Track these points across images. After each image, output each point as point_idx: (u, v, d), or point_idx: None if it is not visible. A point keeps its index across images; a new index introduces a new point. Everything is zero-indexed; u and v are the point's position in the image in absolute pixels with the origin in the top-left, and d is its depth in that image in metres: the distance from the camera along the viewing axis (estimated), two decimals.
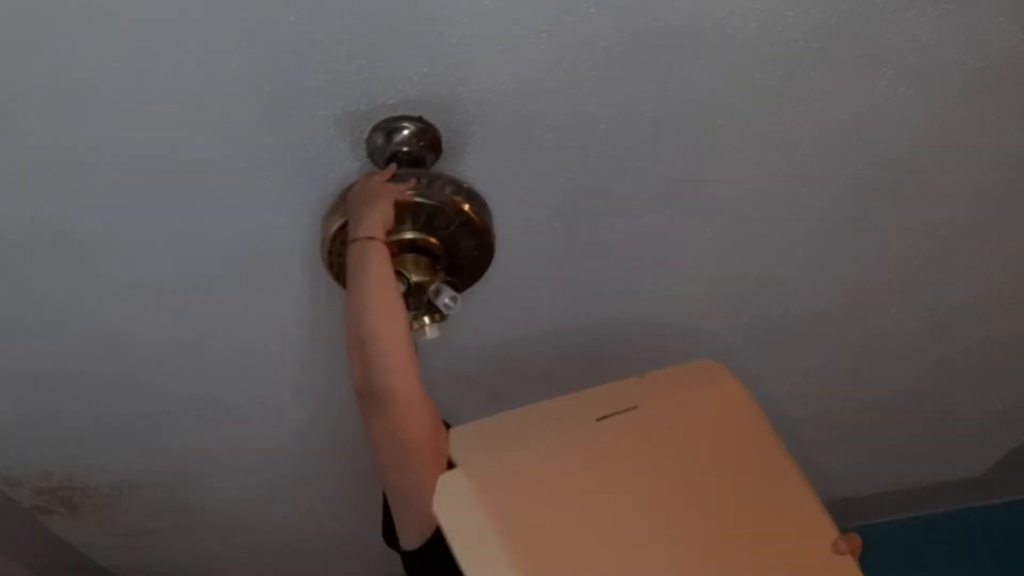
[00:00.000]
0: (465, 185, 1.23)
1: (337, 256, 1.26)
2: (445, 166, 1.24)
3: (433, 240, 1.23)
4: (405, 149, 1.19)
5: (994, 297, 1.60)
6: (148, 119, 1.15)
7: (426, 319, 1.22)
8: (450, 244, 1.25)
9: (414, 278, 1.21)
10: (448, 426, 1.09)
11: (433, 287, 1.20)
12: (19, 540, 2.15)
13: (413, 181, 1.17)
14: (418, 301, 1.21)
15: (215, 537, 2.25)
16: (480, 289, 1.39)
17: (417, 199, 1.17)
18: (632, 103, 1.17)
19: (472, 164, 1.25)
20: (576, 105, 1.17)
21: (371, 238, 1.09)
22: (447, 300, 1.19)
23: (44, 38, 1.03)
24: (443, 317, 1.23)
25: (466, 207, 1.22)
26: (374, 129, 1.18)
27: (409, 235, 1.22)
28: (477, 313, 1.49)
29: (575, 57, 1.10)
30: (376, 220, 1.11)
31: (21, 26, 1.01)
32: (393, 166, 1.19)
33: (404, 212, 1.18)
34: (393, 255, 1.15)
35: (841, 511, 2.43)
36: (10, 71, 1.07)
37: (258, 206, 1.29)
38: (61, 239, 1.32)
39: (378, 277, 1.08)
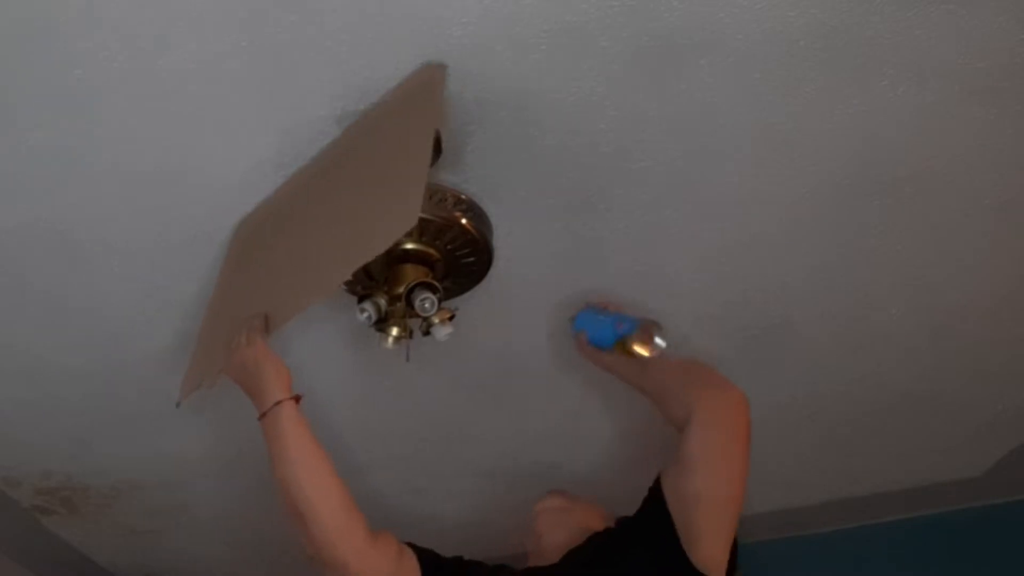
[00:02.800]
0: (463, 196, 1.23)
1: None
2: (445, 166, 1.24)
3: (431, 250, 1.24)
4: None
5: (994, 297, 1.60)
6: (148, 119, 1.15)
7: (435, 319, 1.22)
8: (448, 253, 1.25)
9: (400, 289, 1.21)
10: (411, 546, 1.18)
11: (412, 290, 1.21)
12: (19, 540, 2.15)
13: (260, 316, 1.15)
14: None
15: (215, 537, 2.25)
16: (480, 289, 1.39)
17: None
18: (632, 103, 1.17)
19: (472, 164, 1.25)
20: (576, 105, 1.17)
21: (277, 403, 1.10)
22: (424, 303, 1.20)
23: (44, 38, 1.03)
24: (426, 320, 1.23)
25: (464, 220, 1.22)
26: None
27: (408, 246, 1.22)
28: (477, 313, 1.49)
29: (575, 57, 1.10)
30: (271, 383, 1.11)
31: (21, 26, 1.01)
32: (257, 321, 1.15)
33: None
34: (388, 267, 1.21)
35: (841, 511, 2.45)
36: (10, 71, 1.07)
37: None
38: (61, 239, 1.32)
39: (296, 445, 1.09)
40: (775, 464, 2.07)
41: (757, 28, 1.08)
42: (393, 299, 1.22)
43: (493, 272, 1.34)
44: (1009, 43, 1.12)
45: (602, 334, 1.35)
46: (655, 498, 1.15)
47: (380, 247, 1.02)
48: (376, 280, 1.28)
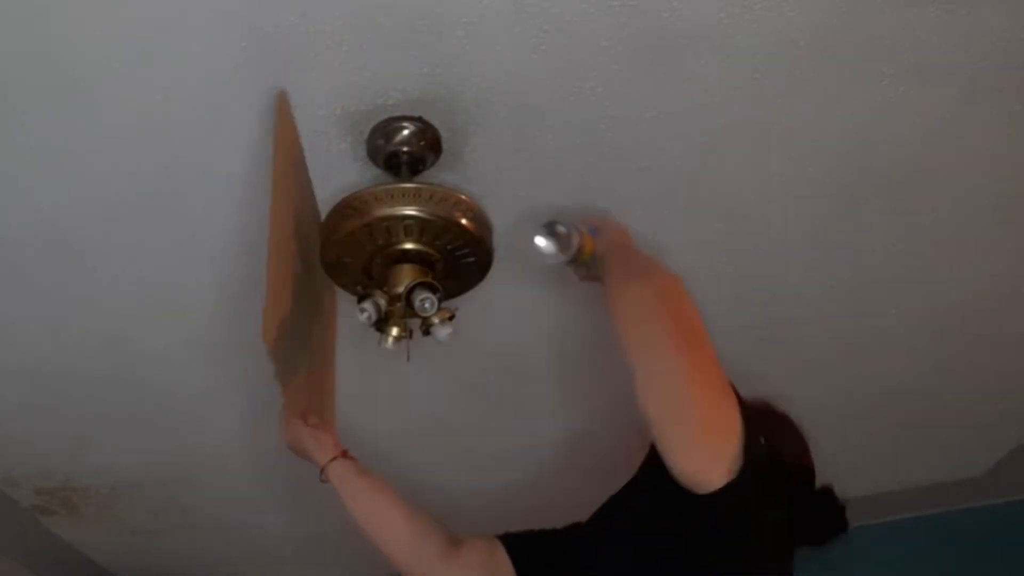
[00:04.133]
0: (463, 196, 1.23)
1: (335, 257, 1.26)
2: (445, 166, 1.24)
3: (431, 250, 1.24)
4: (405, 149, 1.19)
5: (994, 296, 1.60)
6: (148, 119, 1.15)
7: (435, 319, 1.22)
8: (448, 253, 1.25)
9: (399, 289, 1.21)
10: (506, 537, 1.19)
11: (412, 290, 1.21)
12: (19, 540, 2.15)
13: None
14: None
15: (215, 537, 2.25)
16: (480, 289, 1.39)
17: (416, 214, 1.18)
18: (632, 103, 1.17)
19: (472, 164, 1.25)
20: (576, 105, 1.17)
21: (323, 469, 1.26)
22: (424, 303, 1.20)
23: (44, 38, 1.03)
24: (426, 320, 1.23)
25: (464, 220, 1.22)
26: (374, 129, 1.18)
27: (408, 246, 1.22)
28: (477, 313, 1.49)
29: (575, 57, 1.10)
30: (315, 454, 1.28)
31: (21, 26, 1.01)
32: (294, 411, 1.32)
33: (398, 226, 1.18)
34: (388, 267, 1.21)
35: None
36: (10, 71, 1.07)
37: (258, 206, 1.29)
38: (61, 239, 1.32)
39: (351, 497, 1.24)
40: None
41: (757, 28, 1.08)
42: (393, 299, 1.22)
43: (493, 272, 1.34)
44: (1009, 43, 1.12)
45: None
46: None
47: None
48: (376, 280, 1.28)
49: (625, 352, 0.96)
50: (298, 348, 1.30)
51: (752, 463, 0.88)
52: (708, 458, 0.87)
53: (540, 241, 1.18)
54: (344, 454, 1.28)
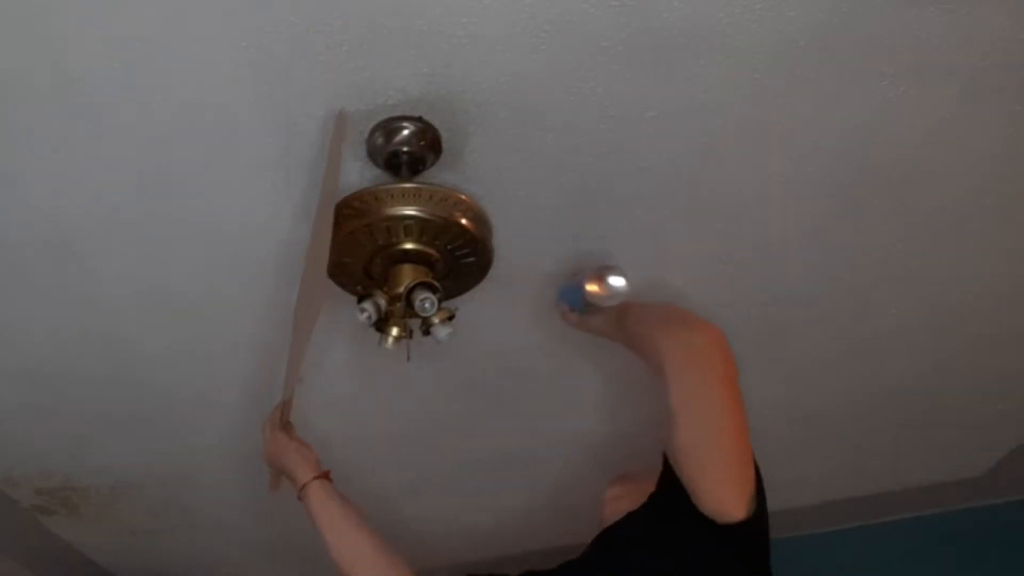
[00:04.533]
0: (463, 196, 1.23)
1: (336, 257, 1.26)
2: (445, 166, 1.24)
3: (431, 250, 1.24)
4: (405, 149, 1.19)
5: (994, 296, 1.60)
6: (148, 119, 1.15)
7: (435, 319, 1.22)
8: (448, 253, 1.25)
9: (399, 289, 1.21)
10: None
11: (412, 290, 1.21)
12: (19, 540, 2.15)
13: (279, 407, 1.36)
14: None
15: (215, 537, 2.25)
16: (480, 289, 1.39)
17: (416, 214, 1.18)
18: (632, 103, 1.17)
19: (472, 164, 1.25)
20: (576, 105, 1.17)
21: (303, 487, 1.28)
22: (424, 303, 1.20)
23: (44, 38, 1.03)
24: (426, 320, 1.23)
25: (464, 220, 1.22)
26: (374, 129, 1.18)
27: (408, 246, 1.22)
28: (477, 313, 1.49)
29: (575, 57, 1.10)
30: (297, 469, 1.30)
31: (21, 26, 1.01)
32: (276, 414, 1.36)
33: (398, 226, 1.19)
34: (388, 267, 1.22)
35: (841, 511, 2.45)
36: (10, 71, 1.07)
37: (258, 206, 1.29)
38: (61, 239, 1.32)
39: (325, 520, 1.26)
40: (775, 464, 2.06)
41: (757, 28, 1.08)
42: (393, 299, 1.22)
43: (493, 272, 1.34)
44: (1009, 43, 1.13)
45: (573, 295, 1.35)
46: (664, 464, 1.12)
47: (304, 344, 1.22)
48: (376, 280, 1.28)
49: (670, 392, 1.09)
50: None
51: (762, 503, 1.05)
52: (738, 495, 1.03)
53: (620, 281, 1.26)
54: (326, 475, 1.30)
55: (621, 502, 1.27)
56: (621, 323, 1.29)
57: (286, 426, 1.37)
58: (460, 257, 1.27)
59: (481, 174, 1.26)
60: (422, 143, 1.19)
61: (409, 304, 1.21)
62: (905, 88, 1.18)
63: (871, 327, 1.66)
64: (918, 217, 1.41)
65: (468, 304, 1.41)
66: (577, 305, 1.36)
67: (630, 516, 1.17)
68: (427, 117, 1.17)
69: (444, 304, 1.23)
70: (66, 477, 1.93)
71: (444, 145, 1.21)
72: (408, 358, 1.28)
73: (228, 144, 1.20)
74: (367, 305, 1.21)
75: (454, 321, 1.25)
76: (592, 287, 1.27)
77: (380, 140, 1.19)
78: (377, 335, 1.25)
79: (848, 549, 2.43)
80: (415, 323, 1.26)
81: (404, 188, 1.18)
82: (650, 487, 1.19)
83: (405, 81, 1.12)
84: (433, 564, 2.30)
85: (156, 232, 1.33)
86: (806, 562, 2.40)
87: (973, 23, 1.09)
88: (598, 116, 1.19)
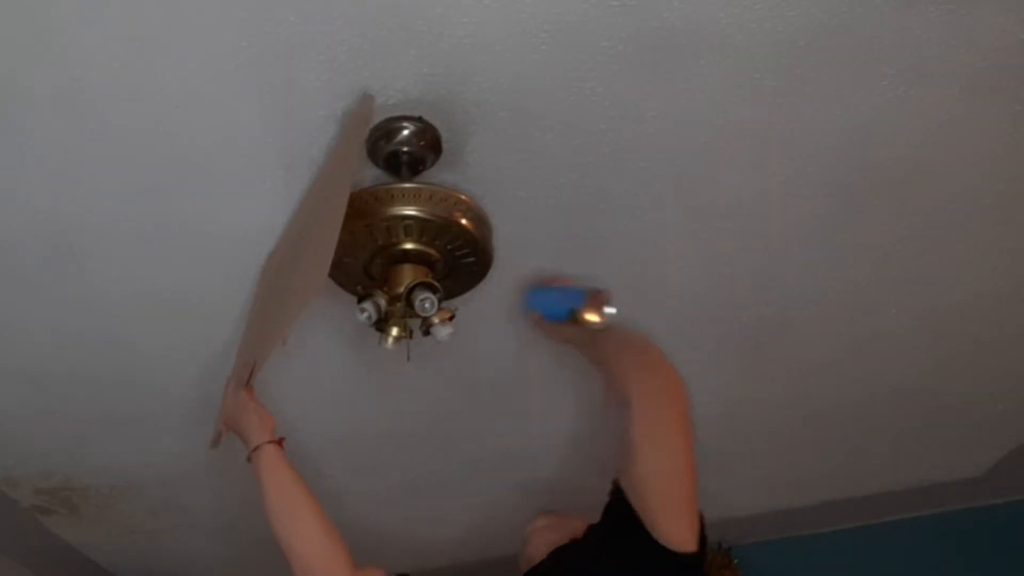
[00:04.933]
0: (463, 196, 1.23)
1: (336, 256, 1.26)
2: (445, 166, 1.24)
3: (431, 250, 1.24)
4: (405, 149, 1.19)
5: (993, 296, 1.60)
6: (148, 119, 1.15)
7: (435, 319, 1.22)
8: (448, 253, 1.25)
9: (399, 289, 1.21)
10: None
11: (412, 290, 1.21)
12: (19, 540, 2.15)
13: (248, 366, 1.32)
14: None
15: (215, 537, 2.25)
16: (480, 289, 1.39)
17: (416, 214, 1.18)
18: (632, 103, 1.17)
19: (472, 164, 1.25)
20: (576, 105, 1.17)
21: (256, 448, 1.27)
22: (424, 303, 1.20)
23: (44, 38, 1.03)
24: (426, 320, 1.23)
25: (464, 220, 1.22)
26: (374, 129, 1.18)
27: (408, 246, 1.22)
28: (477, 313, 1.49)
29: (575, 57, 1.10)
30: (254, 430, 1.29)
31: (21, 26, 1.01)
32: (243, 372, 1.33)
33: (398, 226, 1.19)
34: (388, 267, 1.22)
35: (841, 511, 2.45)
36: (10, 71, 1.07)
37: (258, 206, 1.29)
38: (61, 239, 1.32)
39: (274, 486, 1.25)
40: (775, 464, 2.07)
41: (757, 28, 1.08)
42: (393, 299, 1.22)
43: (493, 272, 1.34)
44: (1009, 43, 1.13)
45: (556, 309, 1.38)
46: (615, 490, 1.20)
47: (297, 312, 1.17)
48: (376, 280, 1.28)
49: (635, 424, 1.19)
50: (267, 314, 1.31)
51: (704, 541, 1.17)
52: (692, 528, 1.14)
53: (614, 309, 1.31)
54: (279, 442, 1.29)
55: (547, 533, 1.35)
56: (597, 344, 1.37)
57: (249, 388, 1.35)
58: (460, 257, 1.27)
59: (481, 174, 1.26)
60: (422, 143, 1.19)
61: (409, 304, 1.21)
62: (905, 88, 1.18)
63: (871, 327, 1.66)
64: (918, 217, 1.41)
65: (468, 304, 1.41)
66: (554, 316, 1.39)
67: (587, 537, 1.24)
68: (427, 117, 1.17)
69: (444, 304, 1.23)
70: (66, 477, 1.93)
71: (444, 145, 1.21)
72: (408, 358, 1.28)
73: (228, 144, 1.20)
74: (367, 305, 1.22)
75: (454, 321, 1.25)
76: (591, 316, 1.32)
77: (380, 140, 1.19)
78: (377, 335, 1.25)
79: (848, 549, 2.43)
80: (415, 323, 1.26)
81: (404, 188, 1.18)
82: (575, 524, 1.29)
83: (405, 81, 1.12)
84: (432, 564, 2.31)
85: (156, 233, 1.33)
86: (806, 562, 2.41)
87: (973, 23, 1.09)
88: (598, 116, 1.19)
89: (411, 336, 1.26)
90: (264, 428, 1.29)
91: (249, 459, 1.28)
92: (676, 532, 1.12)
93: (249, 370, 1.34)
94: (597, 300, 1.32)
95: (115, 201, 1.27)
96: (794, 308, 1.60)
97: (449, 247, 1.24)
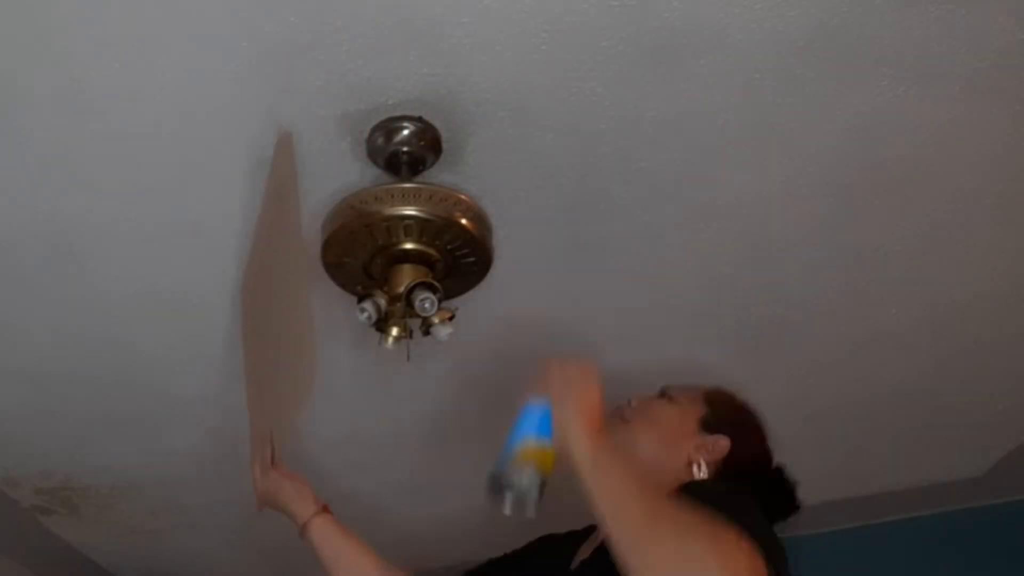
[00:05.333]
0: (463, 196, 1.23)
1: (336, 257, 1.26)
2: (445, 166, 1.24)
3: (431, 250, 1.24)
4: (405, 149, 1.19)
5: (993, 296, 1.60)
6: (148, 120, 1.15)
7: (435, 319, 1.22)
8: (448, 253, 1.25)
9: (399, 289, 1.21)
10: None
11: (412, 290, 1.20)
12: (19, 540, 2.15)
13: (268, 443, 1.32)
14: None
15: (215, 537, 2.25)
16: (480, 289, 1.39)
17: (416, 214, 1.18)
18: (632, 103, 1.17)
19: (472, 164, 1.25)
20: (576, 105, 1.17)
21: (305, 525, 1.27)
22: (424, 303, 1.20)
23: (44, 38, 1.03)
24: (426, 320, 1.23)
25: (464, 220, 1.22)
26: (374, 129, 1.18)
27: (408, 246, 1.22)
28: (477, 312, 1.49)
29: (575, 57, 1.10)
30: (295, 507, 1.28)
31: (21, 26, 1.01)
32: (265, 451, 1.32)
33: (398, 226, 1.19)
34: (388, 267, 1.22)
35: (841, 511, 2.44)
36: (10, 71, 1.07)
37: (258, 207, 1.29)
38: (61, 239, 1.32)
39: (328, 555, 1.26)
40: None
41: (757, 28, 1.08)
42: (393, 299, 1.22)
43: (493, 272, 1.34)
44: (1009, 43, 1.12)
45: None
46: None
47: (294, 418, 1.22)
48: (376, 280, 1.28)
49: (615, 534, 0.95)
50: (269, 375, 1.30)
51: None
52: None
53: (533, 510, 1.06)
54: (324, 508, 1.29)
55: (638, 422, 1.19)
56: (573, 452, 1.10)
57: (276, 463, 1.34)
58: (460, 257, 1.27)
59: (481, 174, 1.26)
60: (422, 143, 1.19)
61: (409, 304, 1.21)
62: (905, 88, 1.18)
63: (871, 327, 1.66)
64: (918, 217, 1.41)
65: (468, 304, 1.40)
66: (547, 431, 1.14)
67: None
68: (427, 117, 1.17)
69: (444, 304, 1.23)
70: (66, 477, 1.93)
71: (444, 145, 1.21)
72: (408, 358, 1.28)
73: (228, 144, 1.19)
74: (367, 305, 1.21)
75: (454, 321, 1.25)
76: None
77: (380, 140, 1.19)
78: (377, 335, 1.25)
79: (848, 549, 2.42)
80: (415, 323, 1.26)
81: (404, 188, 1.18)
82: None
83: (405, 81, 1.12)
84: (432, 564, 2.31)
85: (156, 233, 1.33)
86: (806, 562, 2.40)
87: (973, 23, 1.09)
88: (598, 116, 1.19)
89: (411, 336, 1.26)
90: (306, 500, 1.29)
91: (301, 535, 1.28)
92: None
93: (269, 448, 1.33)
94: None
95: (115, 201, 1.27)
96: (794, 307, 1.60)
97: (449, 247, 1.24)
